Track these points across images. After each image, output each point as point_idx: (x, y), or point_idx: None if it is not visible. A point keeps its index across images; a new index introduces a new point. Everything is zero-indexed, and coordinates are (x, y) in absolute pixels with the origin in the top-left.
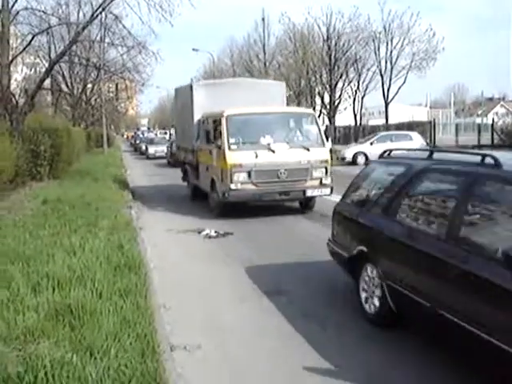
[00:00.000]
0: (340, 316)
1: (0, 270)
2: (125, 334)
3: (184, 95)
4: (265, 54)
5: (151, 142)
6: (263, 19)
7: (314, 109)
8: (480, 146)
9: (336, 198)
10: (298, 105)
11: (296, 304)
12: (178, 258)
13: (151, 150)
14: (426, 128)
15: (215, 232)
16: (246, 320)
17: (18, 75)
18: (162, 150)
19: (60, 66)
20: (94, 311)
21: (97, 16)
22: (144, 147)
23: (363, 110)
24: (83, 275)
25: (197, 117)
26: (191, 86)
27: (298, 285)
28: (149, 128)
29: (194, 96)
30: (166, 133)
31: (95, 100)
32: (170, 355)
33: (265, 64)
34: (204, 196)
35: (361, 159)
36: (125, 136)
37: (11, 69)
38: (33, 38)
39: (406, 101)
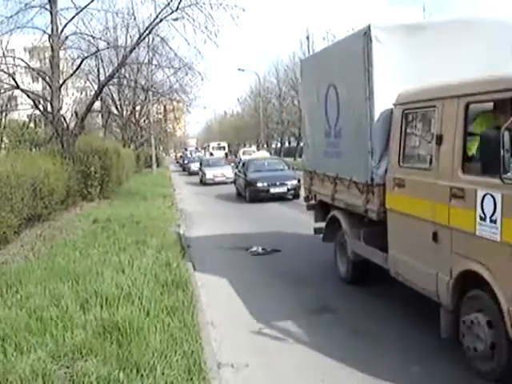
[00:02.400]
0: None
1: (50, 288)
2: (171, 351)
3: (339, 61)
4: None
5: (207, 163)
6: (307, 37)
7: None
8: None
9: None
10: None
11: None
12: (225, 276)
13: (209, 174)
14: None
15: (263, 249)
16: (294, 339)
17: (69, 99)
18: (222, 173)
19: (109, 89)
20: (141, 328)
21: (143, 38)
22: (194, 167)
23: None
24: (131, 293)
25: (381, 103)
26: (366, 33)
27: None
28: (197, 148)
29: (377, 56)
30: (223, 147)
31: (144, 121)
32: (216, 373)
33: None
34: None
35: None
36: (172, 156)
37: (62, 92)
38: (82, 62)
39: None
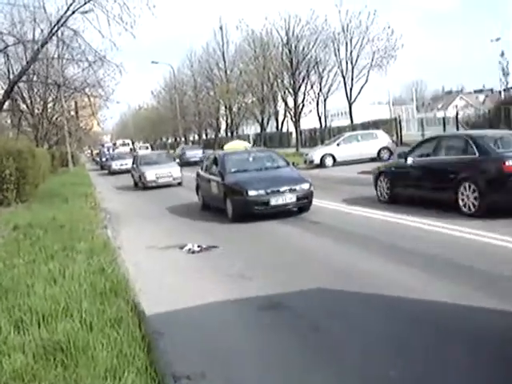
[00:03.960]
0: None
1: None
2: (124, 369)
3: None
4: (225, 61)
5: (146, 161)
6: (221, 27)
7: (278, 114)
8: None
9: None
10: (263, 111)
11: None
12: (162, 278)
13: (150, 174)
14: (391, 125)
15: (198, 246)
16: (246, 340)
17: None
18: (168, 172)
19: (18, 87)
20: (87, 346)
21: (55, 32)
22: (115, 166)
23: (327, 112)
24: (68, 306)
25: None
26: None
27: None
28: (114, 144)
29: None
30: (127, 144)
31: (57, 119)
32: None
33: (225, 72)
34: None
35: (329, 161)
36: (86, 153)
37: None
38: None
39: (365, 100)
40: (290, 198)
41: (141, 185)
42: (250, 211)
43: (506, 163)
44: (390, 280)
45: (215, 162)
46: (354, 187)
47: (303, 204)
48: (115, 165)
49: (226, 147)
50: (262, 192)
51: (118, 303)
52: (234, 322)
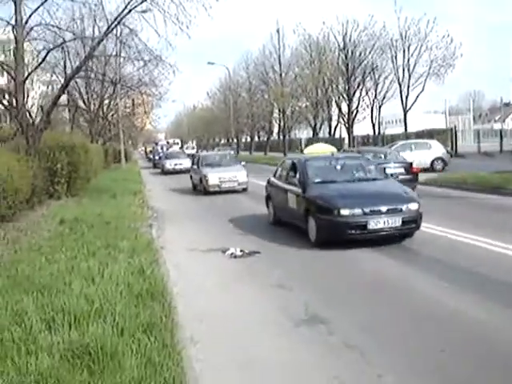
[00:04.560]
0: None
1: (13, 301)
2: (150, 379)
3: None
4: (280, 65)
5: (208, 163)
6: (278, 30)
7: (331, 119)
8: None
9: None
10: (316, 115)
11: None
12: (202, 282)
13: (213, 178)
14: (446, 135)
15: (241, 251)
16: (282, 353)
17: (35, 93)
18: (233, 177)
19: (76, 83)
20: (115, 352)
21: (112, 30)
22: (169, 165)
23: (381, 119)
24: (102, 307)
25: None
26: None
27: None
28: (168, 142)
29: None
30: (177, 143)
31: (112, 115)
32: None
33: (280, 75)
34: None
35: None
36: (140, 150)
37: (28, 86)
38: (47, 54)
39: (420, 108)
40: (393, 221)
41: (201, 188)
42: (341, 235)
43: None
44: None
45: (293, 168)
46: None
47: (409, 229)
48: (169, 164)
49: (306, 151)
50: (358, 211)
51: (153, 307)
52: (272, 334)
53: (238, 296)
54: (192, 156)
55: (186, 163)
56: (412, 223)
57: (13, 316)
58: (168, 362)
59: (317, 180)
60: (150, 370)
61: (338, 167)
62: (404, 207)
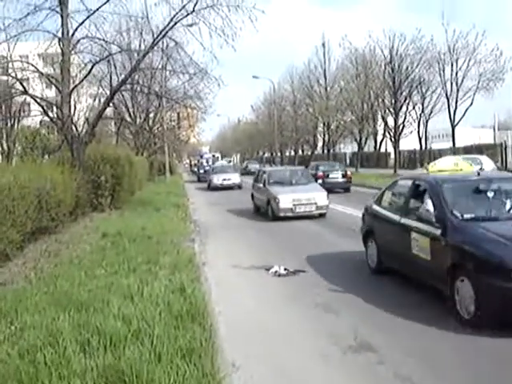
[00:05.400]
0: None
1: (48, 320)
2: None
3: None
4: (326, 78)
5: (278, 180)
6: (323, 44)
7: (376, 134)
8: None
9: None
10: (361, 129)
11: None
12: (244, 302)
13: (285, 200)
14: (495, 151)
15: (285, 269)
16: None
17: (81, 106)
18: (311, 198)
19: (122, 96)
20: (152, 381)
21: (157, 43)
22: (216, 181)
23: (427, 134)
24: (140, 329)
25: None
26: None
27: None
28: (214, 155)
29: None
30: (217, 158)
31: (157, 128)
32: None
33: (326, 89)
34: None
35: None
36: (185, 163)
37: (75, 99)
38: (93, 66)
39: (467, 123)
40: None
41: (266, 211)
42: None
43: None
44: None
45: (415, 194)
46: None
47: None
48: (216, 179)
49: (433, 167)
50: None
51: (193, 329)
52: (318, 364)
53: (283, 319)
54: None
55: (235, 178)
56: None
57: (47, 336)
58: None
59: (467, 216)
60: None
61: (491, 194)
62: None
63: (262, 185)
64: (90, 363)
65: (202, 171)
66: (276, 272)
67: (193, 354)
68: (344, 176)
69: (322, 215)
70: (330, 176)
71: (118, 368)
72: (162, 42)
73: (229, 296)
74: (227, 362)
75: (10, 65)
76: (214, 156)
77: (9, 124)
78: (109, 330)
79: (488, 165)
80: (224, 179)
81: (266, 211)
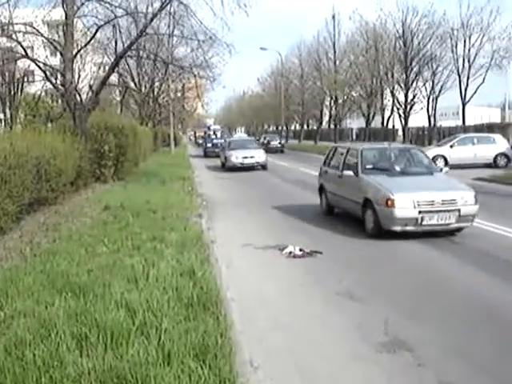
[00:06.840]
0: None
1: (41, 306)
2: None
3: None
4: (335, 52)
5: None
6: (333, 17)
7: (384, 109)
8: None
9: None
10: (370, 105)
11: None
12: (258, 286)
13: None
14: (505, 130)
15: (300, 250)
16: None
17: (86, 74)
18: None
19: (127, 63)
20: None
21: (166, 5)
22: (235, 159)
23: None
24: (146, 321)
25: None
26: None
27: None
28: (222, 128)
29: None
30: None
31: (163, 98)
32: None
33: (335, 63)
34: None
35: (440, 163)
36: (189, 135)
37: (79, 67)
38: (97, 30)
39: (474, 102)
40: None
41: (360, 218)
42: None
43: None
44: None
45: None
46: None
47: None
48: (236, 157)
49: None
50: None
51: (205, 321)
52: (345, 362)
53: (300, 306)
54: None
55: (259, 156)
56: None
57: (39, 328)
58: None
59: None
60: None
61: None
62: None
63: (351, 172)
64: (86, 364)
65: (209, 145)
66: (291, 253)
67: (207, 353)
68: (280, 143)
69: (453, 231)
70: (271, 143)
71: (119, 372)
72: (171, 6)
73: (241, 280)
74: (244, 359)
75: (12, 28)
76: (222, 129)
77: (12, 91)
78: (110, 323)
79: (502, 144)
80: (245, 157)
81: (357, 218)
